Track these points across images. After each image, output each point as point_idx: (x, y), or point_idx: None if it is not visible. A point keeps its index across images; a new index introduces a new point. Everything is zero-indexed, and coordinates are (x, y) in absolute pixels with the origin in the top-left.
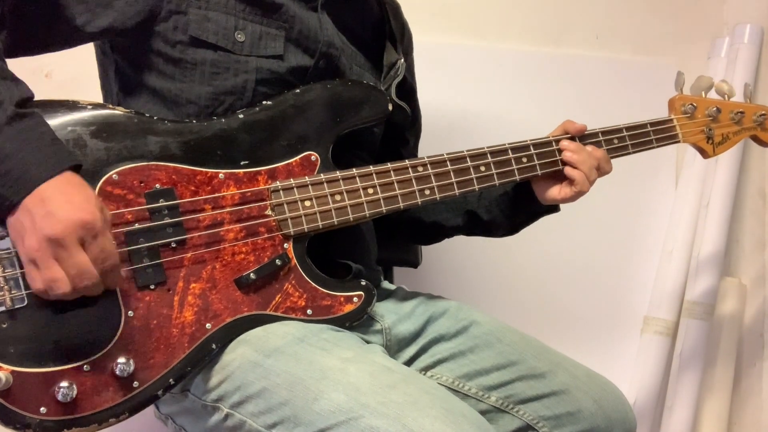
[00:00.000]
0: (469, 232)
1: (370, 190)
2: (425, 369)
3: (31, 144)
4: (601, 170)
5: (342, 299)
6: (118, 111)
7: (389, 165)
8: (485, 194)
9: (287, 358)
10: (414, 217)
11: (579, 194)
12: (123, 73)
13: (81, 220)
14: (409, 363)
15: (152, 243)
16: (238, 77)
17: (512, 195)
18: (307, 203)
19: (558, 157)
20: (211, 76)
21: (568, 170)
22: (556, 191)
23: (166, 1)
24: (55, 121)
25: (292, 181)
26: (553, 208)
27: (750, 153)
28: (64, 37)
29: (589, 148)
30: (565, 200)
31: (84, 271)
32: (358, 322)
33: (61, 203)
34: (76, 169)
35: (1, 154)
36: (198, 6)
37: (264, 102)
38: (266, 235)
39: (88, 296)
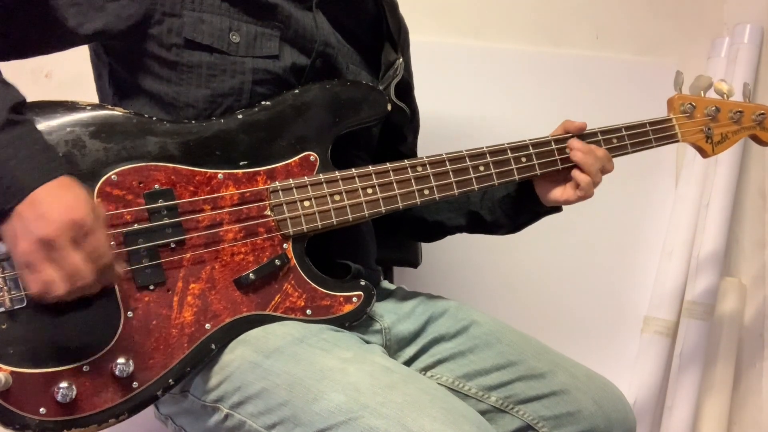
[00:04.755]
0: (471, 231)
1: (369, 191)
2: (425, 369)
3: (23, 152)
4: (605, 170)
5: (341, 299)
6: (117, 112)
7: (388, 165)
8: (488, 195)
9: (287, 359)
10: (417, 216)
11: (583, 198)
12: (118, 77)
13: (71, 220)
14: (408, 363)
15: (151, 243)
16: (235, 78)
17: (515, 196)
18: (306, 203)
19: (557, 157)
20: (207, 79)
21: (575, 173)
22: (559, 193)
23: (159, 4)
24: (53, 122)
25: (291, 181)
26: (556, 208)
27: (750, 153)
28: (57, 40)
29: (591, 147)
30: (569, 202)
31: (77, 271)
32: (358, 322)
33: (52, 205)
34: (69, 175)
35: None
36: (192, 8)
37: (263, 102)
38: (265, 236)
39: (87, 296)
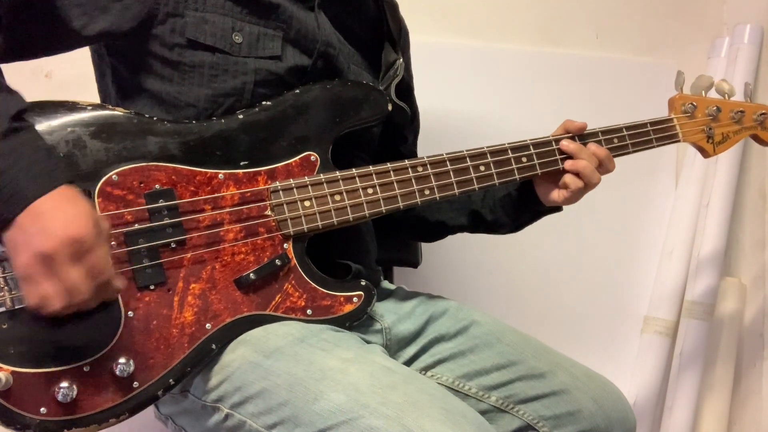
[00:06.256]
0: (473, 230)
1: (370, 190)
2: (425, 369)
3: (25, 159)
4: (605, 169)
5: (342, 299)
6: (118, 112)
7: (389, 165)
8: (489, 195)
9: (287, 359)
10: (418, 216)
11: (580, 197)
12: (120, 77)
13: (72, 236)
14: (409, 363)
15: (152, 243)
16: (237, 79)
17: (515, 196)
18: (307, 203)
19: (558, 157)
20: (209, 79)
21: (568, 178)
22: (556, 194)
23: (162, 4)
24: (54, 122)
25: (291, 181)
26: (557, 207)
27: (750, 153)
28: (62, 41)
29: (592, 146)
30: (567, 203)
31: (75, 287)
32: (358, 322)
33: (54, 219)
34: (71, 183)
35: None
36: (195, 8)
37: (263, 102)
38: (266, 236)
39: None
